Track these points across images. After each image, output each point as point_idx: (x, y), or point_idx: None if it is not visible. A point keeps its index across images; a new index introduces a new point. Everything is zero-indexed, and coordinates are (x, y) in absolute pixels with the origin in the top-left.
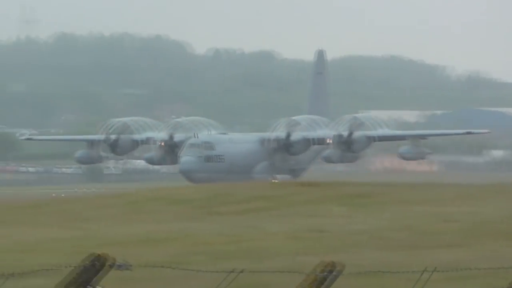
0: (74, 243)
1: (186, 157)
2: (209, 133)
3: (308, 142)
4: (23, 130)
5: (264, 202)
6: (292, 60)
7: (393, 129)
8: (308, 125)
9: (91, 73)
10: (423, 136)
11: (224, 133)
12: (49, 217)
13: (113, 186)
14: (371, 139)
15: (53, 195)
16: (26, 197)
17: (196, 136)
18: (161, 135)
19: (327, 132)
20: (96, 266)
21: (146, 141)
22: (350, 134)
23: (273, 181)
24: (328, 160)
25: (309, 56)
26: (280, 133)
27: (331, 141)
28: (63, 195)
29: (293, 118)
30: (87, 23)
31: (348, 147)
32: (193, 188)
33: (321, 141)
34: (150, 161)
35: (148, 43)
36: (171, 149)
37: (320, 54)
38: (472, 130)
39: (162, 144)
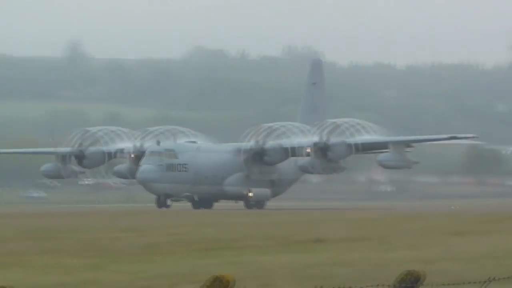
0: None
1: (144, 166)
2: (175, 141)
3: (285, 151)
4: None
5: None
6: None
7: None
8: (285, 132)
9: None
10: (407, 143)
11: (193, 142)
12: None
13: None
14: (350, 147)
15: None
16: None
17: (158, 143)
18: (130, 146)
19: (307, 140)
20: None
21: (116, 153)
22: (326, 140)
23: (249, 194)
24: (305, 170)
25: None
26: (254, 141)
27: (310, 150)
28: None
29: (268, 125)
30: None
31: (324, 155)
32: None
33: (299, 150)
34: (119, 175)
35: None
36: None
37: (316, 64)
38: (457, 135)
39: (133, 156)
